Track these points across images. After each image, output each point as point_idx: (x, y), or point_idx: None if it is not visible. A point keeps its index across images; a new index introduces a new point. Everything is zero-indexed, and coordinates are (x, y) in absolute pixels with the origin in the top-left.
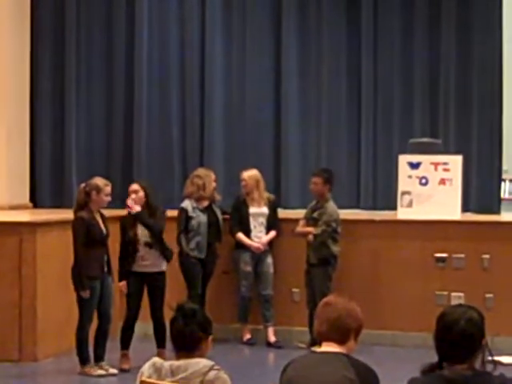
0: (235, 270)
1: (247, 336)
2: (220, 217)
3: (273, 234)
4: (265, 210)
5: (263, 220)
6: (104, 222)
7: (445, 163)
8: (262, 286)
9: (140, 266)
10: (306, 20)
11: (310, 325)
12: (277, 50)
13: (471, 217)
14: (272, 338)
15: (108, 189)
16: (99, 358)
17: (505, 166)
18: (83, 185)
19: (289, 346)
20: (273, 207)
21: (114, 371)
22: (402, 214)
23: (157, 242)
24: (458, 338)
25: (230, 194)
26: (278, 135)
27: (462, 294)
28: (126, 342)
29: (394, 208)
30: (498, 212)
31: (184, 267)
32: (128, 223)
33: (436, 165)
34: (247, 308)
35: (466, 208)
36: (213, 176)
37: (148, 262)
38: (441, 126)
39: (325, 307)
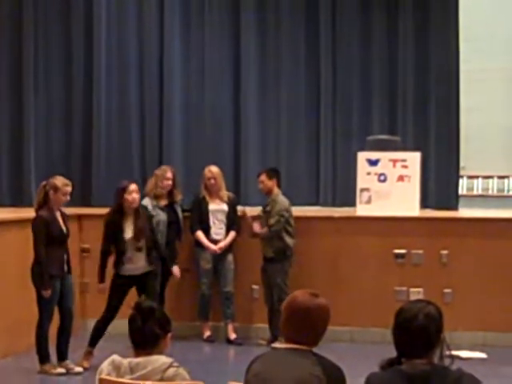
0: (196, 267)
1: (207, 333)
2: (180, 215)
3: (232, 234)
4: (224, 207)
5: (223, 217)
6: (64, 221)
7: (403, 160)
8: (222, 284)
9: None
10: (265, 20)
11: (270, 321)
12: (236, 49)
13: (430, 213)
14: (232, 335)
15: (66, 189)
16: (63, 357)
17: (462, 163)
18: (44, 183)
19: (249, 343)
20: (232, 205)
21: (79, 369)
22: (361, 210)
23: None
24: (417, 333)
25: (190, 191)
26: (237, 133)
27: (420, 290)
28: (95, 340)
29: (353, 205)
30: (456, 208)
31: None
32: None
33: (394, 162)
34: (207, 305)
35: (424, 204)
36: (168, 173)
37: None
38: (399, 123)
39: (293, 305)
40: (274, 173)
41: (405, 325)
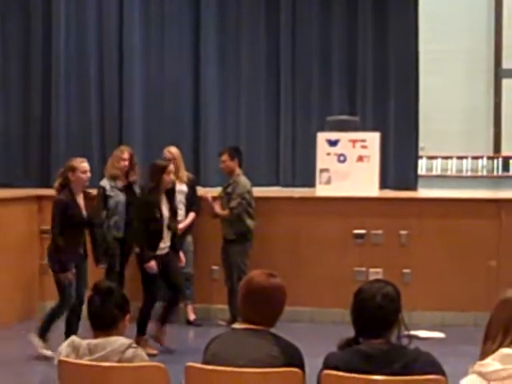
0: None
1: (192, 316)
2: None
3: (192, 216)
4: (184, 187)
5: (182, 197)
6: (86, 205)
7: (363, 140)
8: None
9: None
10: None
11: (230, 302)
12: (196, 26)
13: (389, 193)
14: (192, 316)
15: (84, 165)
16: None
17: (421, 143)
18: (61, 169)
19: (208, 324)
20: (192, 186)
21: None
22: (321, 191)
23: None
24: (374, 313)
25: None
26: (196, 114)
27: (380, 270)
28: (145, 327)
29: (313, 185)
30: (415, 188)
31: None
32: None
33: (354, 142)
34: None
35: (383, 185)
36: (125, 154)
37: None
38: (359, 103)
39: (249, 285)
40: (236, 152)
41: (363, 305)
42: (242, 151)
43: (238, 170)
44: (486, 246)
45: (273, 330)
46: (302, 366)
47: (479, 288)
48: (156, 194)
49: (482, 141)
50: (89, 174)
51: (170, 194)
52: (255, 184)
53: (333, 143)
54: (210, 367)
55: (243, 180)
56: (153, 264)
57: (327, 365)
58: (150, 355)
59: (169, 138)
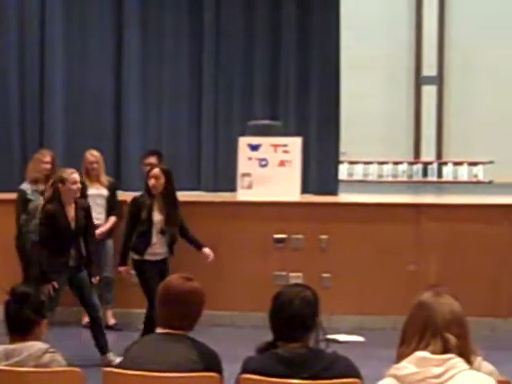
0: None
1: (86, 319)
2: None
3: (112, 219)
4: (104, 191)
5: (102, 202)
6: (77, 216)
7: (284, 145)
8: (101, 268)
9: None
10: (147, 7)
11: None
12: (118, 28)
13: (310, 198)
14: (111, 321)
15: (73, 176)
16: (103, 351)
17: (343, 149)
18: (51, 180)
19: (128, 329)
20: (113, 190)
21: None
22: (242, 195)
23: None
24: (292, 318)
25: None
26: (118, 117)
27: (300, 274)
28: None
29: (235, 190)
30: (336, 193)
31: (21, 249)
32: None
33: (276, 147)
34: None
35: (305, 189)
36: (46, 157)
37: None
38: (281, 108)
39: (166, 289)
40: (160, 156)
41: (281, 309)
42: (164, 155)
43: None
44: (406, 251)
45: (192, 334)
46: (220, 371)
47: (398, 292)
48: (144, 197)
49: (403, 146)
50: (79, 185)
51: (166, 199)
52: (177, 188)
53: (254, 148)
54: (127, 372)
55: None
56: (122, 269)
57: (245, 369)
58: None
59: (90, 142)
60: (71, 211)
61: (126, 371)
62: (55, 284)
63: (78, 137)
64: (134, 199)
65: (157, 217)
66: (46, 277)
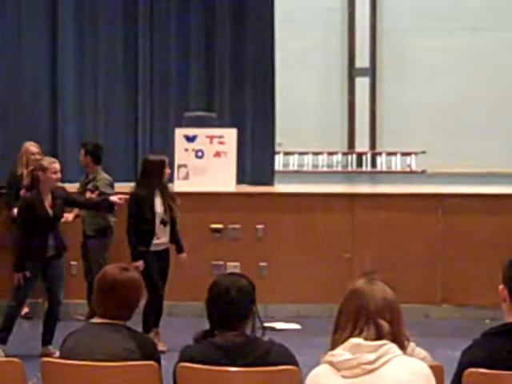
0: (12, 244)
1: (25, 310)
2: None
3: None
4: None
5: None
6: (54, 204)
7: (220, 136)
8: None
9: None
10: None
11: (89, 297)
12: (53, 25)
13: (246, 188)
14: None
15: (54, 166)
16: (45, 342)
17: (278, 140)
18: (31, 167)
19: (67, 319)
20: None
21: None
22: (179, 186)
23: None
24: (229, 306)
25: (6, 166)
26: (54, 109)
27: (237, 264)
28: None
29: (172, 181)
30: (271, 183)
31: None
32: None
33: (211, 138)
34: None
35: (240, 180)
36: None
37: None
38: (216, 99)
39: (103, 279)
40: (92, 150)
41: (218, 298)
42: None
43: (95, 167)
44: (341, 239)
45: (130, 324)
46: (157, 359)
47: (334, 280)
48: (148, 189)
49: (337, 137)
50: (59, 175)
51: (164, 189)
52: (113, 180)
53: (190, 139)
54: (65, 361)
55: (104, 177)
56: (139, 263)
57: (183, 357)
58: (160, 352)
59: (26, 133)
60: (48, 199)
61: (63, 361)
62: (27, 273)
63: (15, 130)
64: (134, 195)
65: (159, 208)
66: (20, 264)
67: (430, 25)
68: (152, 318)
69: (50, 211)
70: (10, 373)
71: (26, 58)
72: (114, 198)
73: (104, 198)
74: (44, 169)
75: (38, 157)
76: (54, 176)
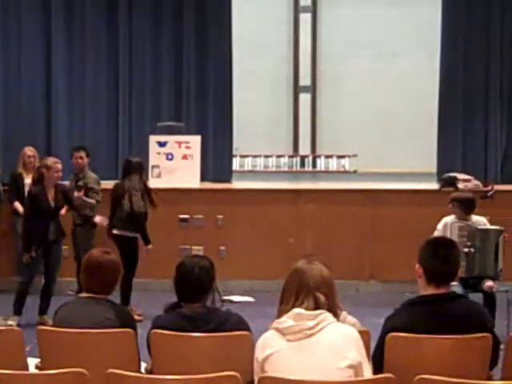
0: (13, 232)
1: None
2: (0, 188)
3: None
4: None
5: None
6: (56, 197)
7: (187, 142)
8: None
9: None
10: (72, 19)
11: (78, 275)
12: (47, 40)
13: (208, 185)
14: None
15: (57, 166)
16: (42, 312)
17: (235, 145)
18: (38, 165)
19: (60, 294)
20: None
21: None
22: (153, 183)
23: None
24: (193, 283)
25: (9, 167)
26: (48, 117)
27: (201, 248)
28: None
29: (147, 179)
30: (230, 181)
31: None
32: None
33: (180, 143)
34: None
35: (204, 178)
36: None
37: None
38: (183, 112)
39: (88, 261)
40: (86, 150)
41: (183, 276)
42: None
43: (87, 166)
44: (287, 227)
45: (111, 297)
46: (134, 327)
47: (281, 260)
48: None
49: (284, 143)
50: (60, 174)
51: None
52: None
53: (162, 144)
54: (57, 329)
55: (93, 175)
56: (149, 246)
57: (155, 325)
58: (137, 321)
59: (25, 138)
60: (52, 193)
61: (56, 329)
62: (33, 254)
63: (14, 136)
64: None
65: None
66: (27, 247)
67: (359, 51)
68: (129, 293)
69: (52, 203)
70: (11, 339)
71: (24, 82)
72: (97, 220)
73: (90, 216)
74: (48, 167)
75: (32, 160)
76: (56, 174)
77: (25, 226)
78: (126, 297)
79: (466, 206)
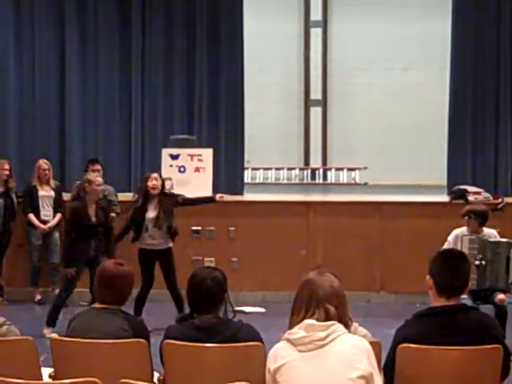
0: (28, 243)
1: (38, 297)
2: (15, 200)
3: (58, 216)
4: (52, 193)
5: (50, 201)
6: (97, 212)
7: (199, 155)
8: (50, 256)
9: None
10: (86, 33)
11: (91, 287)
12: (61, 53)
13: None
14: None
15: (98, 179)
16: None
17: (247, 157)
18: (78, 182)
19: (73, 304)
20: (59, 192)
21: None
22: None
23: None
24: (205, 294)
25: (23, 179)
26: (63, 132)
27: (213, 259)
28: (140, 309)
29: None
30: (241, 193)
31: None
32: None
33: (192, 156)
34: (38, 274)
35: (216, 190)
36: (6, 165)
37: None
38: (196, 125)
39: (102, 272)
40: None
41: (196, 287)
42: (101, 163)
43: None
44: (298, 239)
45: (125, 308)
46: (147, 337)
47: (292, 272)
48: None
49: (295, 155)
50: (102, 187)
51: (163, 199)
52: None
53: (174, 157)
54: (70, 339)
55: (110, 187)
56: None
57: (167, 336)
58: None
59: (39, 152)
60: (92, 208)
61: (70, 339)
62: (73, 271)
63: (29, 146)
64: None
65: (151, 214)
66: (68, 262)
67: (370, 65)
68: (142, 304)
69: (93, 218)
70: (25, 349)
71: (38, 90)
72: None
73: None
74: (90, 182)
75: (47, 172)
76: (97, 188)
77: (65, 242)
78: (136, 307)
79: (482, 219)
